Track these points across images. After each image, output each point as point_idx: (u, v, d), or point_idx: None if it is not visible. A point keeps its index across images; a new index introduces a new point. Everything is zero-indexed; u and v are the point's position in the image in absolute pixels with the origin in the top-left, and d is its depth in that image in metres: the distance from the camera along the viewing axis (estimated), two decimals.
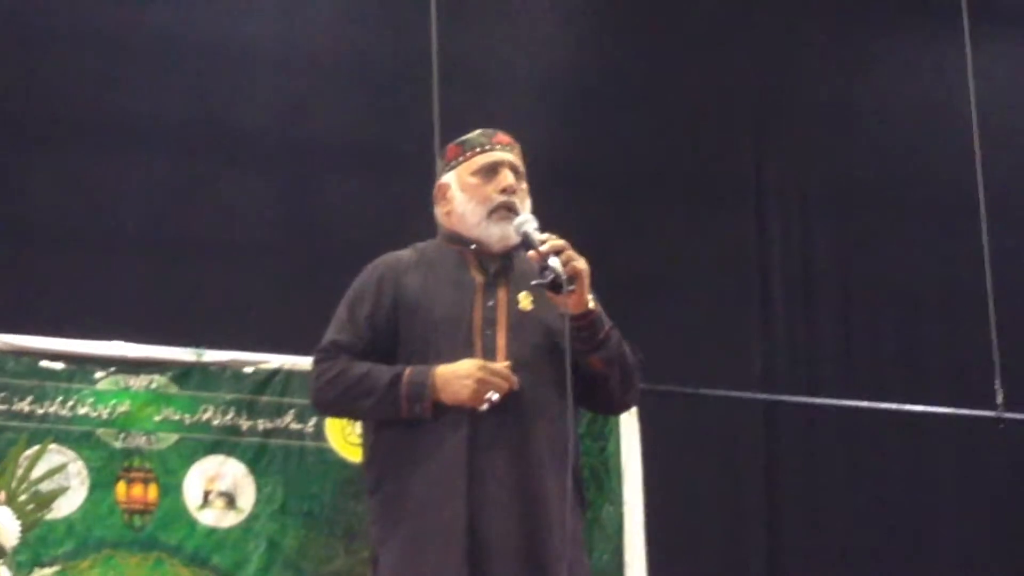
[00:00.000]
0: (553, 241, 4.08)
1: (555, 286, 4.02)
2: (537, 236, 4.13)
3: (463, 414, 4.10)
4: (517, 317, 4.22)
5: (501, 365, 4.07)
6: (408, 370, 4.11)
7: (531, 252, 4.11)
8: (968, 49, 8.48)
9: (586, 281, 4.08)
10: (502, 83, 7.88)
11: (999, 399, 8.05)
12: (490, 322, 4.22)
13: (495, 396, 4.06)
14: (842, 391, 8.27)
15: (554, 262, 4.02)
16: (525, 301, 4.17)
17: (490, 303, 4.25)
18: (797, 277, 8.51)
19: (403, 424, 4.17)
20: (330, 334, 4.32)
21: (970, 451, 8.40)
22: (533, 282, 4.09)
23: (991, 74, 8.66)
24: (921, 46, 8.91)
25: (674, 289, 8.06)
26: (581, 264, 4.07)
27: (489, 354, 4.17)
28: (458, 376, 4.05)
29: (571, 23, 8.36)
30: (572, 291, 4.03)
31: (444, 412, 4.09)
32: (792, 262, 8.52)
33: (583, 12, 8.38)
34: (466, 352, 4.15)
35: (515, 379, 4.08)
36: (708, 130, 8.40)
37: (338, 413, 4.93)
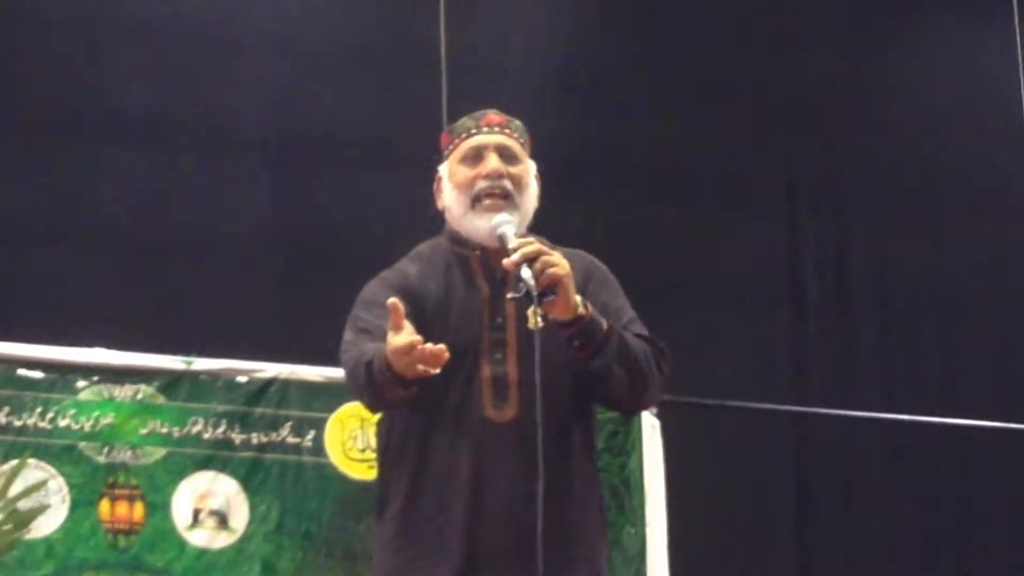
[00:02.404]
0: (525, 248, 3.93)
1: (528, 298, 3.90)
2: (510, 242, 4.01)
3: (471, 440, 4.05)
4: (527, 338, 4.05)
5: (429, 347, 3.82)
6: (373, 356, 3.96)
7: (504, 260, 3.97)
8: (1017, 29, 8.51)
9: (569, 286, 3.94)
10: (511, 78, 7.89)
11: None
12: (499, 344, 4.14)
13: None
14: (879, 403, 8.36)
15: (526, 273, 3.88)
16: (534, 318, 3.96)
17: (498, 319, 4.16)
18: (831, 281, 8.61)
19: (409, 443, 4.14)
20: (348, 333, 4.21)
21: (1015, 465, 8.38)
22: (508, 295, 3.99)
23: None
24: (963, 28, 9.02)
25: (701, 294, 8.17)
26: (559, 270, 3.92)
27: (499, 383, 4.09)
28: (397, 355, 3.86)
29: (586, 14, 8.39)
30: (553, 299, 3.92)
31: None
32: (826, 265, 8.62)
33: (595, 4, 8.40)
34: (471, 381, 4.09)
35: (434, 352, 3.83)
36: (738, 127, 8.50)
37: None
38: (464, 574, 4.03)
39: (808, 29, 8.67)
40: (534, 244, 3.94)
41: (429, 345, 3.77)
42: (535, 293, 3.87)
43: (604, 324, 4.05)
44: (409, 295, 4.12)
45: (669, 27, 8.38)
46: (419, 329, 3.98)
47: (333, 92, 7.90)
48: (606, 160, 8.04)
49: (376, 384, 3.95)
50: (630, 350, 4.10)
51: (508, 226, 4.08)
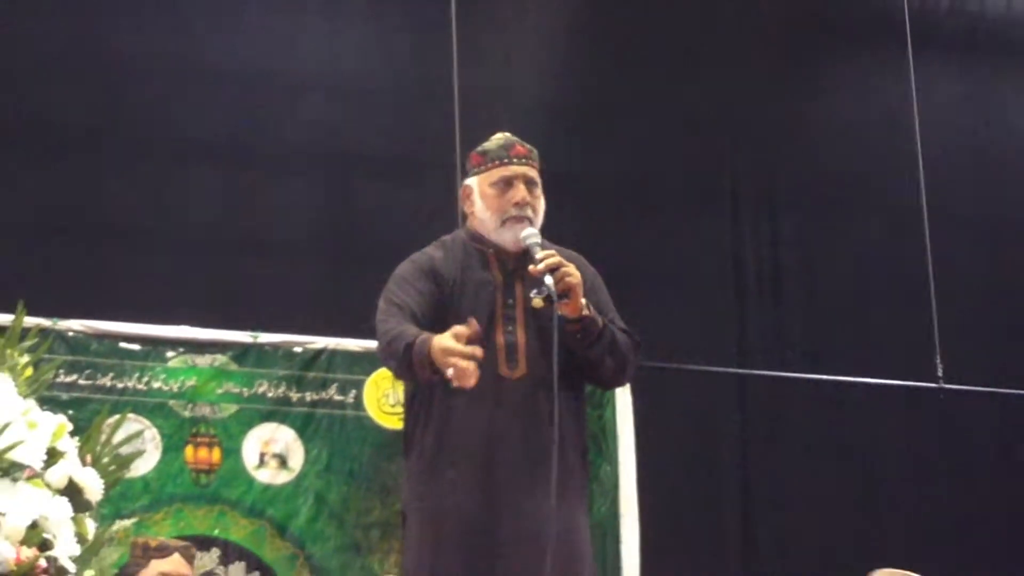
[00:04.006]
0: (549, 260, 4.03)
1: (548, 300, 4.01)
2: (537, 253, 4.09)
3: (485, 391, 4.04)
4: (531, 314, 4.18)
5: (469, 349, 3.87)
6: (416, 340, 3.98)
7: (531, 267, 4.07)
8: (912, 72, 8.50)
9: (579, 292, 4.05)
10: (513, 105, 7.86)
11: (939, 372, 8.07)
12: (510, 319, 4.19)
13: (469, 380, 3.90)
14: (805, 366, 8.27)
15: (548, 280, 4.00)
16: (537, 299, 4.10)
17: (509, 300, 4.22)
18: (766, 269, 8.50)
19: (434, 396, 4.15)
20: (382, 303, 4.22)
21: (915, 417, 8.38)
22: (531, 293, 4.09)
23: (931, 93, 8.65)
24: (870, 66, 8.88)
25: (662, 280, 8.05)
26: (574, 279, 4.03)
27: (511, 348, 4.14)
28: (443, 352, 3.90)
29: (573, 53, 8.35)
30: (567, 301, 4.02)
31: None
32: (762, 256, 8.50)
33: (583, 44, 8.37)
34: (488, 345, 4.08)
35: (471, 353, 3.88)
36: (691, 146, 8.38)
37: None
38: (480, 498, 4.07)
39: (750, 67, 8.56)
40: (556, 256, 4.05)
41: (472, 366, 3.82)
42: (555, 296, 3.99)
43: (600, 321, 4.16)
44: (433, 274, 4.23)
45: (637, 63, 8.28)
46: (437, 301, 4.16)
47: (365, 119, 7.77)
48: (587, 171, 8.00)
49: (410, 363, 3.98)
50: (617, 343, 4.22)
51: (535, 239, 4.16)
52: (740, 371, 8.25)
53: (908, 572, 5.18)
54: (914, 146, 8.40)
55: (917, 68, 8.55)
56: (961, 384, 8.16)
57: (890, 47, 8.64)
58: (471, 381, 3.87)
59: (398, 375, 4.27)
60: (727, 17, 8.57)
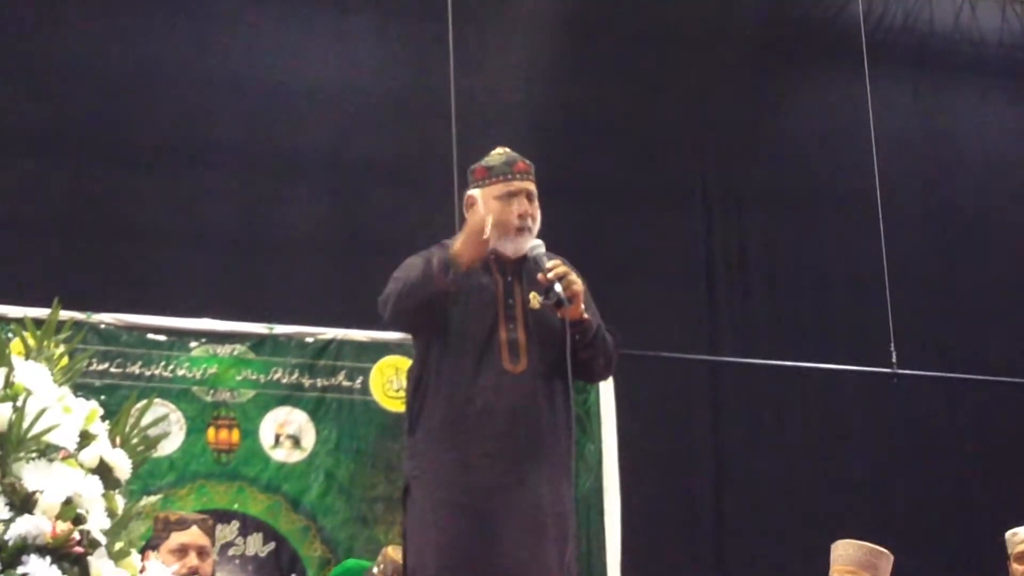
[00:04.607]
0: (558, 268, 4.10)
1: (558, 304, 4.08)
2: (545, 262, 4.14)
3: (492, 383, 4.12)
4: (531, 314, 4.23)
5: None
6: (431, 254, 4.14)
7: (540, 275, 4.13)
8: (867, 84, 8.53)
9: (581, 298, 4.11)
10: (504, 117, 7.85)
11: (893, 359, 8.09)
12: (511, 318, 4.22)
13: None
14: (770, 353, 8.28)
15: (558, 287, 4.06)
16: (535, 301, 4.18)
17: (510, 301, 4.24)
18: (735, 264, 8.50)
19: (441, 384, 4.18)
20: (390, 284, 4.24)
21: (871, 400, 8.39)
22: (541, 298, 4.16)
23: (885, 103, 8.68)
24: (830, 83, 8.90)
25: (641, 275, 8.04)
26: (578, 286, 4.11)
27: (513, 345, 4.18)
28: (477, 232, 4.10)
29: (560, 69, 8.35)
30: (570, 306, 4.09)
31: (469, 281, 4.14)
32: (730, 253, 8.51)
33: (569, 61, 8.36)
34: (492, 343, 4.16)
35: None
36: (666, 153, 8.39)
37: (403, 308, 4.32)
38: (483, 475, 4.09)
39: (720, 82, 8.58)
40: (562, 266, 4.12)
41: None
42: (565, 301, 4.07)
43: (595, 325, 4.23)
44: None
45: (618, 79, 8.30)
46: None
47: (369, 128, 7.77)
48: (571, 176, 7.98)
49: (429, 271, 4.06)
50: (607, 344, 4.31)
51: (541, 249, 4.20)
52: (711, 358, 8.25)
53: (866, 543, 5.18)
54: (870, 151, 8.42)
55: (872, 80, 8.57)
56: (913, 370, 8.19)
57: (848, 61, 8.65)
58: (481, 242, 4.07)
59: (406, 299, 4.16)
60: (700, 38, 8.58)
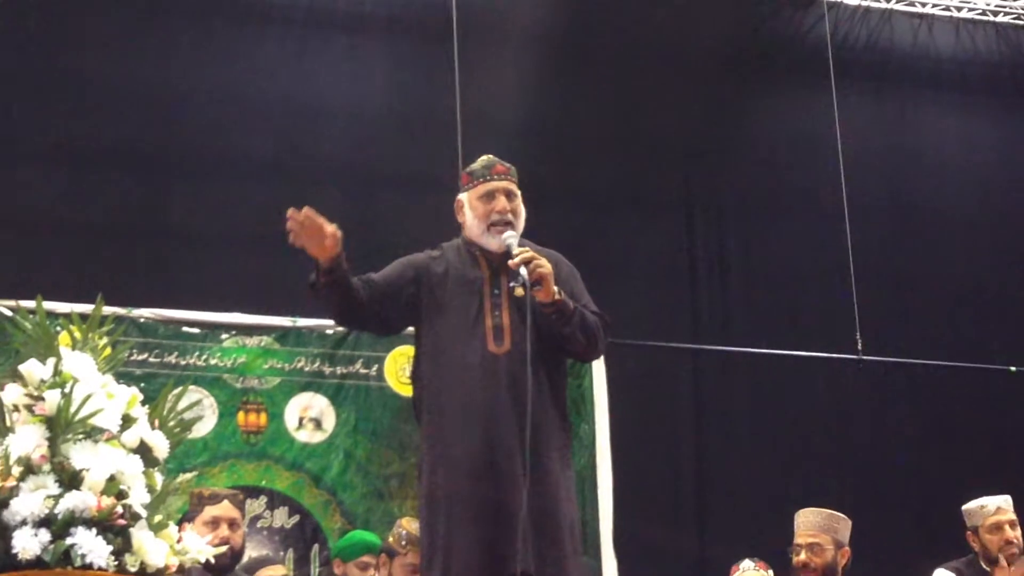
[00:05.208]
0: (523, 255, 4.10)
1: (525, 286, 4.06)
2: (514, 250, 4.16)
3: (477, 364, 4.14)
4: (514, 301, 4.22)
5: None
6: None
7: (509, 262, 4.14)
8: (834, 97, 8.54)
9: (550, 280, 4.10)
10: (504, 129, 7.83)
11: (859, 346, 8.09)
12: (496, 306, 4.24)
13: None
14: (746, 341, 8.26)
15: (523, 271, 4.06)
16: (519, 290, 4.14)
17: (495, 291, 4.26)
18: (714, 261, 8.47)
19: (435, 371, 4.22)
20: None
21: (838, 384, 8.38)
22: (510, 284, 4.15)
23: (851, 114, 8.66)
24: (801, 96, 8.88)
25: (629, 271, 8.03)
26: (544, 270, 4.09)
27: (498, 329, 4.20)
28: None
29: (554, 87, 8.32)
30: (540, 288, 4.08)
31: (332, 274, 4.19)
32: (710, 251, 8.48)
33: (563, 80, 8.34)
34: (478, 328, 4.19)
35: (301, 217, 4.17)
36: (652, 161, 8.36)
37: (332, 317, 4.69)
38: (480, 446, 4.10)
39: (701, 96, 8.55)
40: (529, 252, 4.12)
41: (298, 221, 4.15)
42: (529, 284, 4.05)
43: (571, 305, 4.20)
44: (418, 267, 4.32)
45: (608, 96, 8.28)
46: (411, 280, 4.28)
47: (381, 140, 7.80)
48: (567, 183, 7.99)
49: (311, 287, 4.20)
50: (587, 322, 4.26)
51: (513, 239, 4.23)
52: (693, 346, 8.23)
53: (826, 509, 5.19)
54: (836, 158, 8.43)
55: (838, 94, 8.58)
56: (878, 356, 8.19)
57: (816, 77, 8.65)
58: (298, 234, 4.13)
59: (326, 310, 4.40)
60: (683, 56, 8.54)
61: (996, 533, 5.22)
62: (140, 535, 2.62)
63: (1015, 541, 5.23)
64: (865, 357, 8.10)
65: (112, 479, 2.65)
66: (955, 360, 8.44)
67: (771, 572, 6.01)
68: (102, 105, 7.34)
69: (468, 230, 4.37)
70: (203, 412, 6.39)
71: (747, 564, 6.19)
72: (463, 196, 4.39)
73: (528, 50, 8.32)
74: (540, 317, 4.15)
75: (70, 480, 2.62)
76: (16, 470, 2.62)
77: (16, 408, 2.73)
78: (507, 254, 4.20)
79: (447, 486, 4.11)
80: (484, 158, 4.43)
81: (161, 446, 2.84)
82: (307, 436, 6.63)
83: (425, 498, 4.19)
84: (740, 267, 8.55)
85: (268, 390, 6.64)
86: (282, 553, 6.39)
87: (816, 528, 5.11)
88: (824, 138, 8.49)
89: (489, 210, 4.29)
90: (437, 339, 4.24)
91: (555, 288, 4.13)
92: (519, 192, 4.38)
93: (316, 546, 6.49)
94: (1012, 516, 5.32)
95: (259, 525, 6.44)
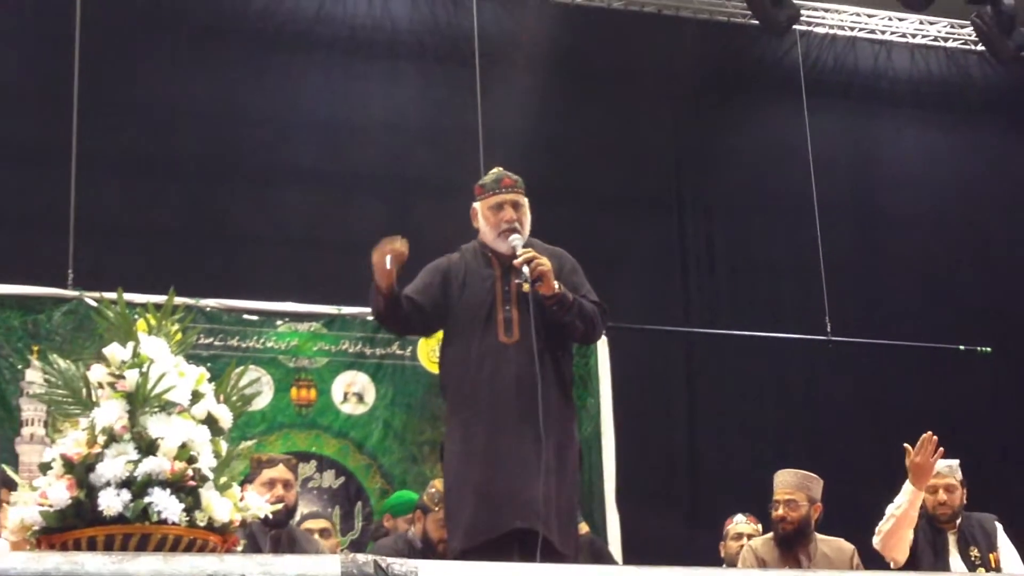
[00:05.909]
0: (526, 255, 4.16)
1: (528, 282, 4.12)
2: (519, 251, 4.20)
3: (492, 353, 4.17)
4: (521, 296, 4.24)
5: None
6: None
7: (514, 261, 4.19)
8: (806, 112, 8.53)
9: (550, 276, 4.15)
10: (520, 138, 7.83)
11: (828, 328, 8.07)
12: (507, 301, 4.26)
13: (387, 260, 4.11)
14: (731, 325, 8.23)
15: (525, 269, 4.12)
16: (526, 286, 4.18)
17: (505, 288, 4.28)
18: (703, 256, 8.47)
19: (457, 355, 4.26)
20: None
21: (810, 362, 8.37)
22: (515, 280, 4.20)
23: (820, 129, 8.64)
24: (776, 111, 8.86)
25: (628, 264, 8.03)
26: (544, 267, 4.14)
27: (508, 322, 4.23)
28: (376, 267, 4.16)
29: (563, 104, 8.31)
30: (540, 284, 4.13)
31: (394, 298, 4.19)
32: (699, 246, 8.48)
33: (571, 98, 8.33)
34: (490, 321, 4.22)
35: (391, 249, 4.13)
36: (648, 167, 8.39)
37: (380, 323, 4.69)
38: (494, 424, 4.13)
39: (690, 112, 8.57)
40: (531, 252, 4.16)
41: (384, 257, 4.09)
42: (530, 280, 4.11)
43: (570, 296, 4.23)
44: (442, 271, 4.36)
45: (609, 111, 8.28)
46: (439, 285, 4.30)
47: (414, 153, 7.84)
48: (573, 187, 7.99)
49: (372, 302, 4.22)
50: (585, 310, 4.28)
51: (519, 241, 4.26)
52: (685, 329, 8.22)
53: (800, 470, 5.16)
54: (808, 166, 8.41)
55: (809, 110, 8.56)
56: (844, 337, 8.17)
57: (790, 95, 8.63)
58: (384, 274, 4.07)
59: (377, 319, 4.43)
60: (674, 77, 8.58)
61: (932, 494, 5.13)
62: (208, 494, 2.63)
63: (946, 502, 5.11)
64: (834, 338, 8.09)
65: (183, 446, 2.66)
66: (911, 340, 8.42)
67: (760, 526, 5.99)
68: (175, 124, 7.40)
69: (482, 235, 4.41)
70: (261, 388, 6.39)
71: (740, 518, 6.19)
72: (477, 205, 4.43)
73: (540, 73, 8.31)
74: (543, 308, 4.18)
75: (147, 447, 2.63)
76: (101, 438, 2.63)
77: (101, 385, 2.74)
78: (514, 255, 4.24)
79: (467, 449, 4.15)
80: (494, 171, 4.47)
81: (225, 418, 2.85)
82: (351, 408, 6.63)
83: (449, 462, 4.23)
84: (725, 260, 8.54)
85: (317, 369, 6.64)
86: (329, 510, 6.39)
87: (792, 487, 5.09)
88: (797, 148, 8.47)
89: (499, 220, 4.33)
90: (458, 329, 4.28)
91: (556, 283, 4.16)
92: (525, 201, 4.40)
93: (359, 503, 6.50)
94: (950, 480, 5.11)
95: (310, 486, 6.45)
